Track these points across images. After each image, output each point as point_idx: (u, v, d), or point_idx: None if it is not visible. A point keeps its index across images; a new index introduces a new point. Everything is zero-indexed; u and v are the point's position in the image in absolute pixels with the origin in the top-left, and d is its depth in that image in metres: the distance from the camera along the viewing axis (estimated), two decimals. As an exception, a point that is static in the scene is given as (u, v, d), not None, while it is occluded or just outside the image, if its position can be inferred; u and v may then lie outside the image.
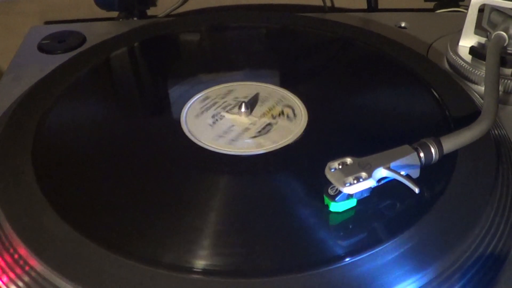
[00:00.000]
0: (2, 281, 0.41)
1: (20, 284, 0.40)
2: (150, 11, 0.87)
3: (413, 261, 0.40)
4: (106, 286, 0.39)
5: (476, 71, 0.61)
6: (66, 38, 0.72)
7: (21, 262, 0.41)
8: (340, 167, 0.43)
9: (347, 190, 0.42)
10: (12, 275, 0.41)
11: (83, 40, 0.72)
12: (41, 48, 0.71)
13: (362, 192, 0.43)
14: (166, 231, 0.43)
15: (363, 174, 0.42)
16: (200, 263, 0.40)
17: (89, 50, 0.66)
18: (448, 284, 0.40)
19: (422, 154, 0.44)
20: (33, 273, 0.40)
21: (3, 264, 0.41)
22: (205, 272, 0.39)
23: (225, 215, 0.44)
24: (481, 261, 0.42)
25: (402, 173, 0.44)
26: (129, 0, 0.80)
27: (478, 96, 0.58)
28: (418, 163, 0.44)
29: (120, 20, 0.80)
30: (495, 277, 0.42)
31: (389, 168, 0.43)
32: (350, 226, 0.43)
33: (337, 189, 0.43)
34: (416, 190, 0.42)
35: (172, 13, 0.85)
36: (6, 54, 0.74)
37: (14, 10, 0.87)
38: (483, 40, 0.63)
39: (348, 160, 0.44)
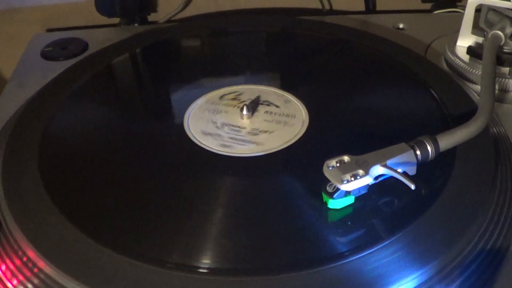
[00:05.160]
0: (12, 284, 0.41)
1: (30, 286, 0.41)
2: (151, 17, 0.87)
3: (413, 258, 0.40)
4: (112, 286, 0.39)
5: (474, 71, 0.62)
6: (68, 45, 0.72)
7: (30, 265, 0.41)
8: (338, 165, 0.44)
9: (344, 187, 0.43)
10: (21, 277, 0.41)
11: (85, 46, 0.72)
12: (44, 55, 0.71)
13: (359, 189, 0.44)
14: (171, 232, 0.43)
15: (360, 172, 0.43)
16: (205, 263, 0.41)
17: (92, 56, 0.67)
18: (448, 280, 0.40)
19: (418, 152, 0.45)
20: (41, 275, 0.41)
21: (12, 267, 0.42)
22: (210, 271, 0.40)
23: (228, 215, 0.45)
24: (481, 257, 0.42)
25: (399, 170, 0.44)
26: (130, 6, 0.81)
27: (476, 95, 0.58)
28: (415, 160, 0.45)
29: (122, 26, 0.81)
30: (495, 272, 0.42)
31: (385, 166, 0.44)
32: (349, 223, 0.43)
33: (335, 187, 0.44)
34: (412, 187, 0.43)
35: (173, 18, 0.85)
36: (9, 61, 0.74)
37: (16, 19, 0.88)
38: (480, 39, 0.64)
39: (346, 158, 0.44)
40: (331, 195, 0.44)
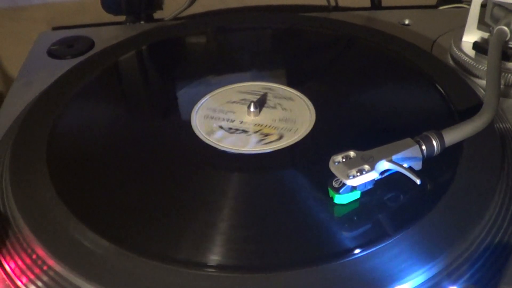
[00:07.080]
0: (22, 282, 0.41)
1: (39, 284, 0.41)
2: (157, 14, 0.87)
3: (421, 253, 0.40)
4: (122, 284, 0.39)
5: (480, 66, 0.62)
6: (75, 43, 0.72)
7: (39, 262, 0.42)
8: (344, 160, 0.44)
9: (350, 182, 0.43)
10: (31, 275, 0.41)
11: (92, 44, 0.72)
12: (51, 53, 0.71)
13: (365, 184, 0.44)
14: (179, 229, 0.43)
15: (366, 167, 0.43)
16: (213, 259, 0.41)
17: (98, 54, 0.67)
18: (456, 275, 0.40)
19: (424, 147, 0.45)
20: (51, 273, 0.41)
21: (21, 265, 0.42)
22: (218, 267, 0.40)
23: (236, 212, 0.45)
24: (490, 251, 0.42)
25: (405, 165, 0.44)
26: (136, 4, 0.81)
27: (482, 90, 0.58)
28: (420, 155, 0.45)
29: (128, 24, 0.81)
30: (504, 266, 0.42)
31: (391, 161, 0.44)
32: (355, 218, 0.44)
33: (341, 182, 0.44)
34: (418, 182, 0.43)
35: (179, 16, 0.85)
36: (16, 60, 0.74)
37: (22, 17, 0.88)
38: (486, 35, 0.64)
39: (352, 153, 0.44)
40: (337, 190, 0.44)
